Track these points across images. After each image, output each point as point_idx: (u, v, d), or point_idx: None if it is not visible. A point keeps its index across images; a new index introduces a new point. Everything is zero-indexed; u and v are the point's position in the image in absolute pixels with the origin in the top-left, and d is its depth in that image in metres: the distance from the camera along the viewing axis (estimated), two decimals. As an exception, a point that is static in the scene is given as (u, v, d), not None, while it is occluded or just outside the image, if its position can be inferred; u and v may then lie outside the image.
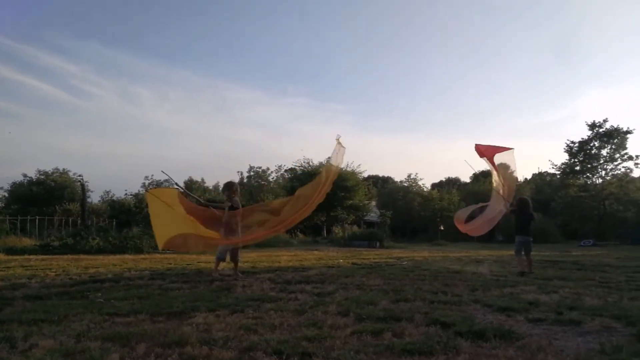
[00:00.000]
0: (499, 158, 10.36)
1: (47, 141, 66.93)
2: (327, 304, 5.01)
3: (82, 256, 13.37)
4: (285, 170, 42.79)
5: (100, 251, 15.18)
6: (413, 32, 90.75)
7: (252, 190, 37.77)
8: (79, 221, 26.52)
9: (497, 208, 10.72)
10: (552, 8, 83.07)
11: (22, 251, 14.84)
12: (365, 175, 39.89)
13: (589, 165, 36.57)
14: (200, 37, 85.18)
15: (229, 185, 8.48)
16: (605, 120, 35.40)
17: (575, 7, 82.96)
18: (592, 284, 7.29)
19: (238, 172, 43.24)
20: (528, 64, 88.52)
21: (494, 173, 10.48)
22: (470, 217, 11.96)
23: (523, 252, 9.33)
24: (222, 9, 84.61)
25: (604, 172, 36.33)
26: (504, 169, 10.49)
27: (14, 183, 39.70)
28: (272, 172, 45.21)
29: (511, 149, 10.44)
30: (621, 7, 77.88)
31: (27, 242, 17.51)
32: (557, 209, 38.23)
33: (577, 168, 37.29)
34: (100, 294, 5.74)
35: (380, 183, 55.07)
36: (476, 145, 10.33)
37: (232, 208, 8.05)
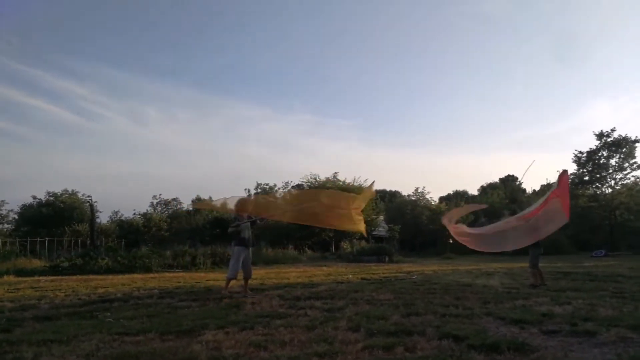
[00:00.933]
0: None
1: (56, 163, 67.52)
2: (337, 319, 4.96)
3: (91, 276, 13.38)
4: (293, 187, 42.80)
5: (109, 271, 15.21)
6: (418, 47, 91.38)
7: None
8: (88, 241, 26.60)
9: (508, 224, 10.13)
10: (557, 21, 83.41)
11: (32, 272, 14.88)
12: (373, 190, 39.78)
13: (597, 175, 36.25)
14: (207, 57, 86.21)
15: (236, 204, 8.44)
16: (613, 130, 35.21)
17: (580, 18, 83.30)
18: (606, 294, 7.18)
19: (245, 189, 43.30)
20: (533, 76, 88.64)
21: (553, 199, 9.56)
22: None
23: (535, 264, 9.22)
24: (227, 28, 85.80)
25: (613, 182, 36.00)
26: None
27: (24, 205, 39.92)
28: (279, 188, 45.24)
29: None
30: (626, 17, 78.07)
31: (37, 263, 17.57)
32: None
33: (586, 178, 36.98)
34: (109, 314, 5.73)
35: (388, 197, 54.84)
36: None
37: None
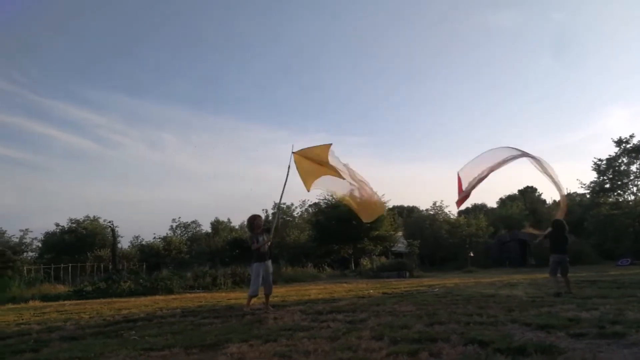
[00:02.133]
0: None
1: (78, 190, 68.87)
2: (360, 329, 4.95)
3: (114, 299, 13.52)
4: (310, 205, 42.87)
5: (131, 293, 15.35)
6: (429, 62, 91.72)
7: (277, 226, 37.84)
8: (110, 266, 26.93)
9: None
10: (568, 30, 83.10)
11: (57, 297, 15.10)
12: (390, 205, 39.61)
13: (619, 182, 35.57)
14: (222, 81, 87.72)
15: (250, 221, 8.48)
16: (632, 136, 34.60)
17: (591, 25, 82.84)
18: (634, 300, 7.02)
19: (263, 209, 43.51)
20: (547, 87, 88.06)
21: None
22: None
23: (559, 273, 9.09)
24: (240, 52, 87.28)
25: (635, 189, 35.30)
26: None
27: (47, 233, 40.73)
28: (296, 207, 45.37)
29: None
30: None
31: (61, 288, 17.84)
32: (590, 228, 37.09)
33: (607, 186, 36.30)
34: (133, 332, 5.79)
35: (406, 213, 54.52)
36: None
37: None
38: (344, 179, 8.79)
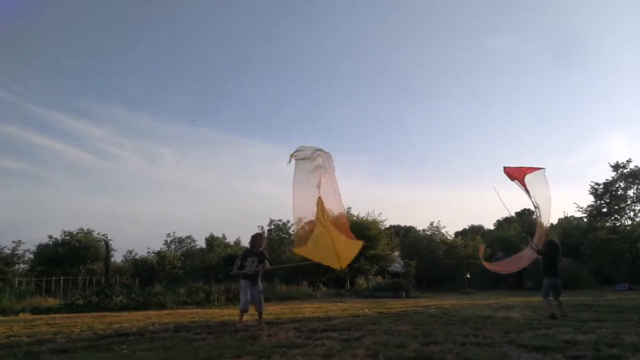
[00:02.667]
0: (530, 179, 9.91)
1: (73, 203, 68.47)
2: (355, 347, 4.89)
3: (106, 313, 13.36)
4: (306, 223, 42.67)
5: (123, 308, 15.18)
6: (427, 83, 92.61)
7: (273, 244, 37.60)
8: (102, 280, 26.67)
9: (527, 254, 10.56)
10: (566, 54, 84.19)
11: (47, 310, 14.91)
12: (387, 225, 39.51)
13: (616, 207, 35.66)
14: (220, 97, 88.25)
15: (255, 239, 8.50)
16: (629, 161, 34.88)
17: (590, 50, 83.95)
18: (631, 324, 6.97)
19: (259, 226, 43.32)
20: (545, 111, 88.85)
21: (529, 196, 9.94)
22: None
23: (551, 296, 9.06)
24: (239, 68, 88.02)
25: (632, 213, 35.37)
26: (537, 187, 10.00)
27: (40, 245, 40.37)
28: (292, 224, 45.12)
29: (542, 168, 10.02)
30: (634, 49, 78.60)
31: (52, 301, 17.59)
32: (587, 252, 37.07)
33: (604, 210, 36.38)
34: (125, 346, 5.70)
35: (403, 233, 54.39)
36: (505, 168, 10.07)
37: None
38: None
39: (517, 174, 9.90)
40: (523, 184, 9.86)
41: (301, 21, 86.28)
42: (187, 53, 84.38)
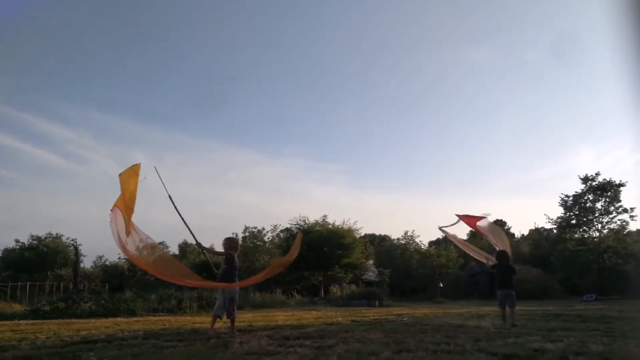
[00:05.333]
0: (481, 225, 11.27)
1: (42, 207, 66.48)
2: (327, 355, 4.88)
3: (73, 320, 13.00)
4: (281, 230, 42.52)
5: (92, 314, 14.81)
6: (403, 95, 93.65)
7: (247, 250, 37.31)
8: (70, 286, 26.00)
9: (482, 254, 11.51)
10: (540, 68, 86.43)
11: (12, 316, 14.44)
12: (362, 233, 39.66)
13: (584, 219, 36.61)
14: (197, 101, 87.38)
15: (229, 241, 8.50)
16: (597, 174, 35.89)
17: (566, 63, 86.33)
18: (597, 333, 7.14)
19: (233, 233, 42.93)
20: (519, 124, 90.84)
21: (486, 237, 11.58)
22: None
23: (509, 305, 9.30)
24: (216, 72, 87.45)
25: (600, 225, 36.35)
26: (494, 233, 11.38)
27: (6, 249, 39.22)
28: (267, 232, 44.88)
29: (484, 217, 11.35)
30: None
31: (17, 307, 17.07)
32: (557, 263, 37.94)
33: (573, 222, 37.30)
34: (92, 353, 5.56)
35: (377, 241, 54.67)
36: (458, 215, 11.42)
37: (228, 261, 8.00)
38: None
39: (467, 221, 11.43)
40: (477, 229, 11.45)
41: (280, 28, 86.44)
42: (164, 55, 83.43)
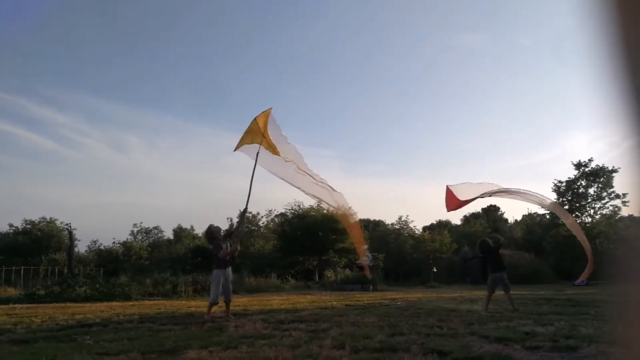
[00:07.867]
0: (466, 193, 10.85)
1: (35, 191, 66.14)
2: (322, 338, 4.94)
3: (68, 304, 13.03)
4: (276, 215, 42.61)
5: (87, 299, 14.83)
6: (399, 78, 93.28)
7: (242, 236, 37.46)
8: (65, 270, 26.01)
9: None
10: (535, 54, 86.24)
11: (7, 301, 14.42)
12: (356, 218, 39.73)
13: (577, 204, 36.87)
14: (191, 85, 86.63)
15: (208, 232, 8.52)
16: (590, 160, 36.06)
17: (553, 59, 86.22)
18: (587, 317, 7.26)
19: (227, 218, 42.99)
20: (513, 109, 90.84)
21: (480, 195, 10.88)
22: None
23: (503, 290, 9.37)
24: (209, 57, 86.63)
25: (592, 211, 36.63)
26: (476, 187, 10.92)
27: (0, 233, 39.10)
28: (262, 216, 44.97)
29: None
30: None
31: (12, 292, 17.07)
32: (549, 248, 38.27)
33: (566, 207, 37.52)
34: (88, 337, 5.60)
35: (372, 226, 54.84)
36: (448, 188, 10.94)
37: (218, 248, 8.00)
38: (278, 155, 8.56)
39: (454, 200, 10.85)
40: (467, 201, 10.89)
41: (272, 19, 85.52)
42: (156, 40, 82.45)
